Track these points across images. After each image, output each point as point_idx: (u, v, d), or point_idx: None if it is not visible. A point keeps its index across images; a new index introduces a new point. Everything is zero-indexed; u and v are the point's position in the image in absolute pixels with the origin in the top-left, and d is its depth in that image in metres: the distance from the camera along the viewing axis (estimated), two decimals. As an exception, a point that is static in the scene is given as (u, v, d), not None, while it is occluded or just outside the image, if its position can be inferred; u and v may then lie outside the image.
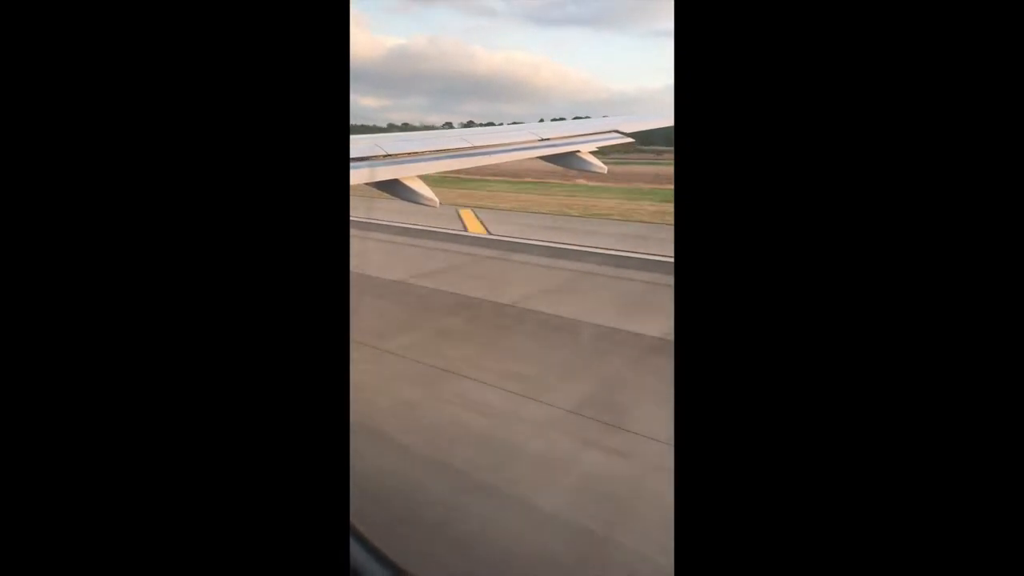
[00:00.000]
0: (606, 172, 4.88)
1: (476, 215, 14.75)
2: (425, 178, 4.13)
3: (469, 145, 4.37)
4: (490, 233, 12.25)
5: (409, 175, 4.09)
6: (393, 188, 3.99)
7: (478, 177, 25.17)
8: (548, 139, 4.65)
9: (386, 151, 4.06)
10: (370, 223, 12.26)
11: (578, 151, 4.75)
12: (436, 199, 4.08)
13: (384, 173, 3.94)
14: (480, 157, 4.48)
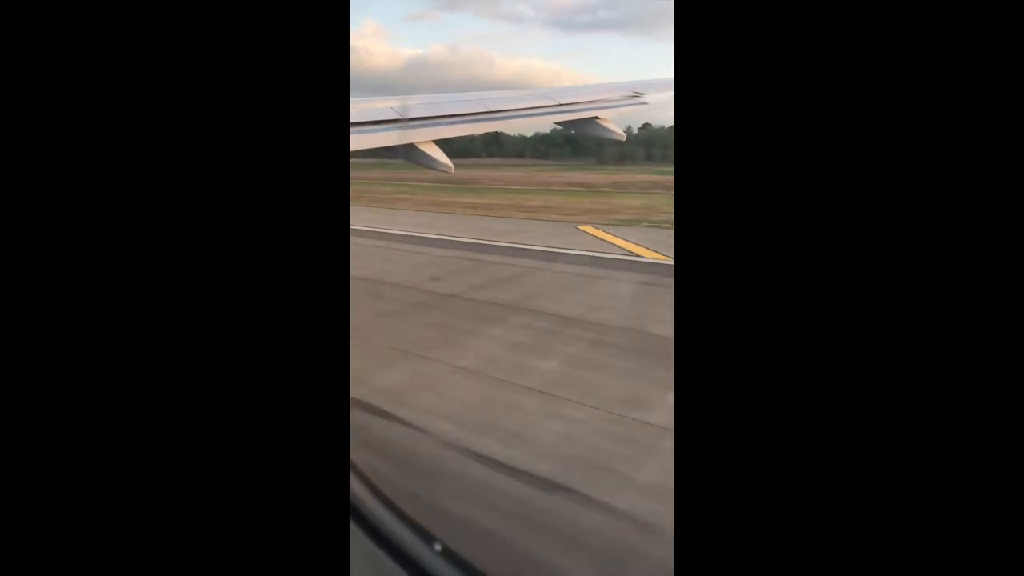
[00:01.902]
0: (625, 139, 4.78)
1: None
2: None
3: (485, 110, 4.30)
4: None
5: (425, 139, 4.05)
6: (408, 153, 3.96)
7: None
8: (564, 104, 4.56)
9: (400, 115, 4.02)
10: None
11: (596, 117, 4.65)
12: (451, 164, 4.05)
13: (398, 137, 3.91)
14: (497, 122, 4.42)
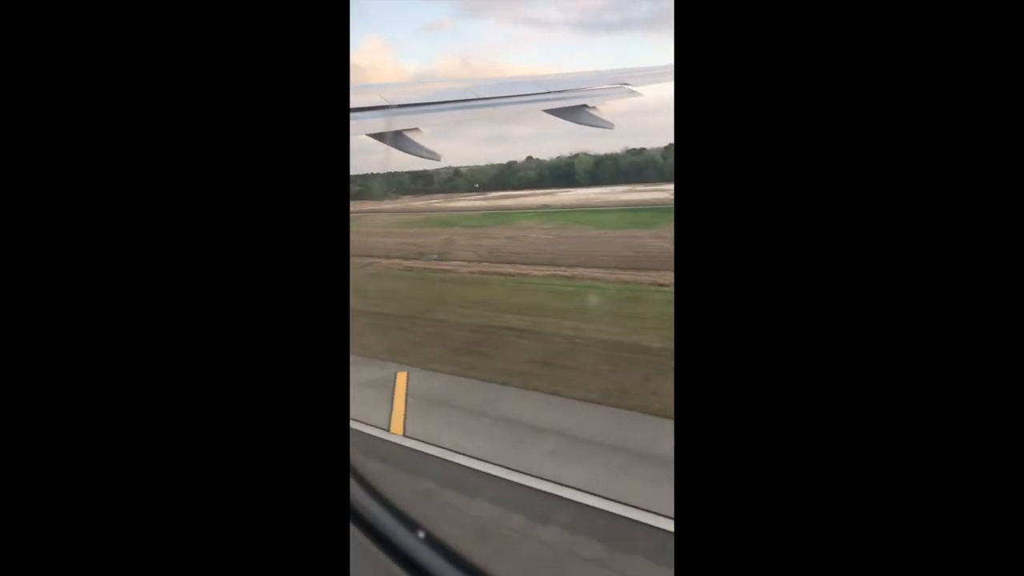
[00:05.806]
0: (614, 128, 4.77)
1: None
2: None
3: (474, 96, 4.26)
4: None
5: (412, 126, 3.99)
6: (395, 140, 3.91)
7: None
8: (553, 91, 4.54)
9: (388, 101, 3.96)
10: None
11: (586, 105, 4.63)
12: (438, 153, 4.00)
13: (386, 124, 3.85)
14: (487, 108, 4.37)
